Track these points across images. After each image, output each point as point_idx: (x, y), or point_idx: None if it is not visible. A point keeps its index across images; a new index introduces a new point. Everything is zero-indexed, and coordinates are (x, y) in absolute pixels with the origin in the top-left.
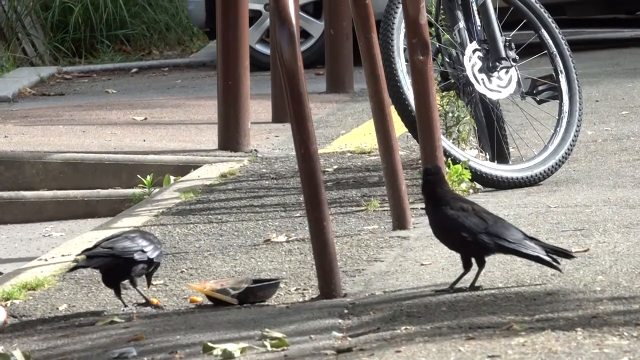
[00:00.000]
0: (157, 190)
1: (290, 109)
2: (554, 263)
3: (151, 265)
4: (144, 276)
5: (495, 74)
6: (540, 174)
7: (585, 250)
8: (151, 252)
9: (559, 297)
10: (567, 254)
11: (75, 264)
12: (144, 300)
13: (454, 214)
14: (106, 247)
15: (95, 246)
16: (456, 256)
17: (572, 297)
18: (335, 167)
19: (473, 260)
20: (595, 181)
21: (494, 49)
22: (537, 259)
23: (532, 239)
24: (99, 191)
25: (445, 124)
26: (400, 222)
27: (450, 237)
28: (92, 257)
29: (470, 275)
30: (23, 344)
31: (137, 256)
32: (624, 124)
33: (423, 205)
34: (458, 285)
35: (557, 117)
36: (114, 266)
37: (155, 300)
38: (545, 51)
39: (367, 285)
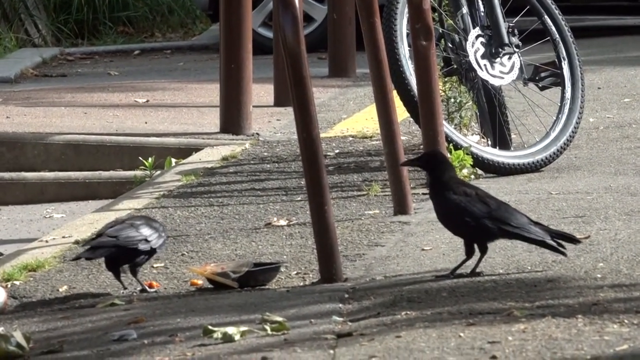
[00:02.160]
0: (158, 172)
1: (293, 93)
2: (560, 248)
3: (153, 255)
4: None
5: (498, 60)
6: (542, 160)
7: (586, 237)
8: (155, 242)
9: (559, 284)
10: (572, 239)
11: (79, 254)
12: (140, 287)
13: (458, 199)
14: (111, 236)
15: (100, 234)
16: (457, 242)
17: (573, 284)
18: (336, 151)
19: (476, 247)
20: (596, 168)
21: (496, 35)
22: (541, 244)
23: (537, 223)
24: (100, 173)
25: (448, 110)
26: (401, 207)
27: (453, 221)
28: (96, 248)
29: (472, 262)
30: (23, 325)
31: (140, 246)
32: (626, 111)
33: (424, 191)
34: (459, 271)
35: (559, 104)
36: (117, 255)
37: (155, 284)
38: (548, 38)
39: (368, 270)
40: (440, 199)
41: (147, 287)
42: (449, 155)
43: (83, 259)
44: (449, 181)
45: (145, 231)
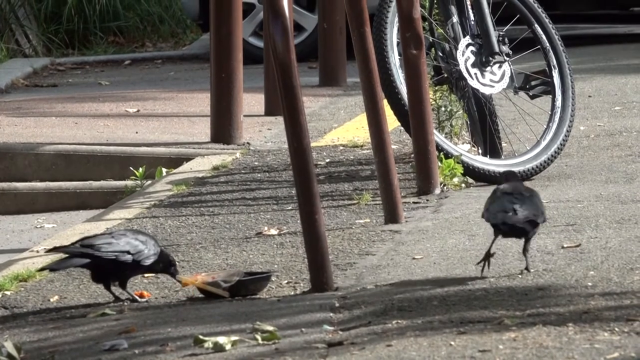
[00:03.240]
0: (149, 182)
1: (283, 102)
2: None
3: (142, 268)
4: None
5: (489, 68)
6: (533, 168)
7: (577, 246)
8: (140, 255)
9: (550, 292)
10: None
11: (44, 266)
12: (130, 298)
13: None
14: (87, 246)
15: (90, 245)
16: (448, 251)
17: (564, 292)
18: (327, 160)
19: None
20: (587, 176)
21: (487, 44)
22: None
23: None
24: (91, 183)
25: (438, 118)
26: (392, 216)
27: None
28: (68, 259)
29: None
30: (14, 336)
31: (120, 257)
32: (617, 119)
33: (415, 200)
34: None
35: (549, 112)
36: (96, 266)
37: (146, 293)
38: (539, 46)
39: (359, 279)
40: None
41: (137, 297)
42: (439, 164)
43: (49, 269)
44: None
45: (128, 243)
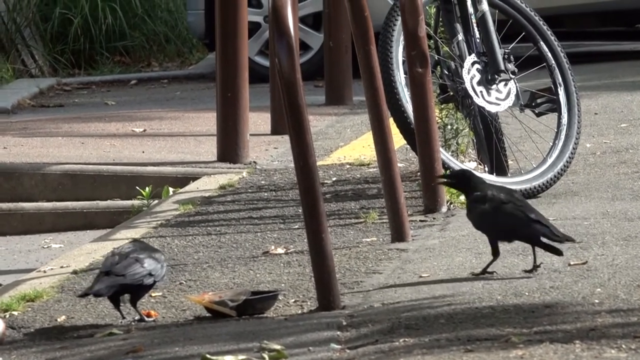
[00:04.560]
0: (155, 201)
1: (289, 121)
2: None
3: (154, 286)
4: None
5: (494, 86)
6: (539, 186)
7: (583, 263)
8: (157, 275)
9: (557, 310)
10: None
11: (86, 290)
12: (138, 317)
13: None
14: (119, 275)
15: (107, 272)
16: (455, 269)
17: (571, 310)
18: (334, 179)
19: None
20: (593, 194)
21: (492, 62)
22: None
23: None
24: (97, 203)
25: (444, 136)
26: (398, 234)
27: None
28: (102, 285)
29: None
30: (22, 356)
31: (145, 281)
32: (623, 136)
33: (422, 218)
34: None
35: (555, 130)
36: (122, 290)
37: (153, 313)
38: (544, 64)
39: (366, 298)
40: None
41: (144, 317)
42: None
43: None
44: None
45: (149, 264)
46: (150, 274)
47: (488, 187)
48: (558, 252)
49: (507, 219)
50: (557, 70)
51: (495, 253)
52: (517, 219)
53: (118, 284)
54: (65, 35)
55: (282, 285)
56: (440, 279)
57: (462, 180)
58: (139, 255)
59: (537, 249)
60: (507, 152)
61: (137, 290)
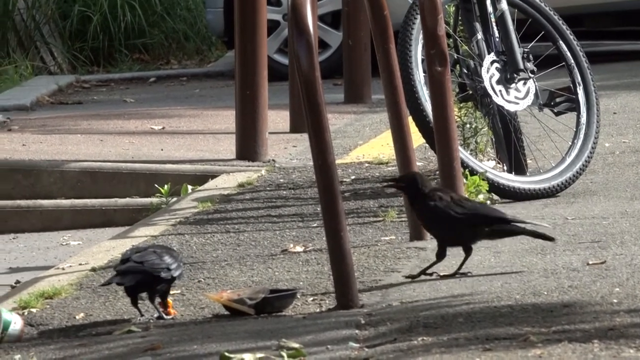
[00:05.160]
0: (174, 199)
1: (308, 119)
2: (545, 234)
3: (171, 283)
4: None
5: (513, 85)
6: (558, 185)
7: (602, 262)
8: (175, 271)
9: (575, 309)
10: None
11: (109, 279)
12: (157, 314)
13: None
14: (137, 262)
15: (125, 260)
16: (472, 267)
17: (589, 309)
18: (352, 177)
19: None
20: (612, 193)
21: (511, 61)
22: (528, 233)
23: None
24: (116, 200)
25: (463, 135)
26: (417, 232)
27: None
28: (125, 273)
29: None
30: (40, 353)
31: (163, 274)
32: None
33: None
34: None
35: (574, 129)
36: (142, 282)
37: (172, 311)
38: (563, 63)
39: (384, 296)
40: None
41: (163, 314)
42: (464, 180)
43: (114, 283)
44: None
45: (167, 259)
46: (168, 269)
47: (436, 190)
48: (548, 238)
49: (451, 220)
50: (576, 70)
51: (441, 255)
52: (457, 220)
53: (138, 270)
54: (84, 33)
55: (301, 283)
56: (459, 277)
57: (412, 184)
58: (156, 249)
59: (527, 238)
60: (526, 151)
61: (155, 283)
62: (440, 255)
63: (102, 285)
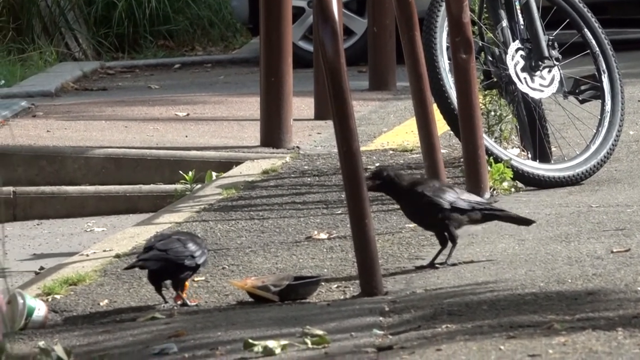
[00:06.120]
0: (199, 186)
1: (333, 106)
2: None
3: (196, 271)
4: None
5: (538, 73)
6: (582, 173)
7: (626, 250)
8: (199, 258)
9: (600, 297)
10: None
11: (132, 263)
12: (181, 301)
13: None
14: (161, 250)
15: (150, 247)
16: (497, 254)
17: (613, 297)
18: (377, 164)
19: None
20: (637, 181)
21: (536, 48)
22: (508, 219)
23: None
24: (140, 187)
25: (488, 123)
26: None
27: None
28: (147, 260)
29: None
30: (64, 339)
31: (187, 262)
32: None
33: None
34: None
35: (599, 117)
36: (165, 269)
37: (195, 300)
38: (588, 51)
39: (408, 283)
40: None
41: (187, 301)
42: (489, 168)
43: (136, 267)
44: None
45: (192, 247)
46: (192, 256)
47: (413, 181)
48: (527, 222)
49: (431, 209)
50: (600, 57)
51: (446, 241)
52: (439, 209)
53: (162, 257)
54: (109, 19)
55: (325, 270)
56: (483, 265)
57: (388, 182)
58: (181, 237)
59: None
60: (551, 138)
61: (179, 270)
62: (452, 241)
63: (125, 269)
